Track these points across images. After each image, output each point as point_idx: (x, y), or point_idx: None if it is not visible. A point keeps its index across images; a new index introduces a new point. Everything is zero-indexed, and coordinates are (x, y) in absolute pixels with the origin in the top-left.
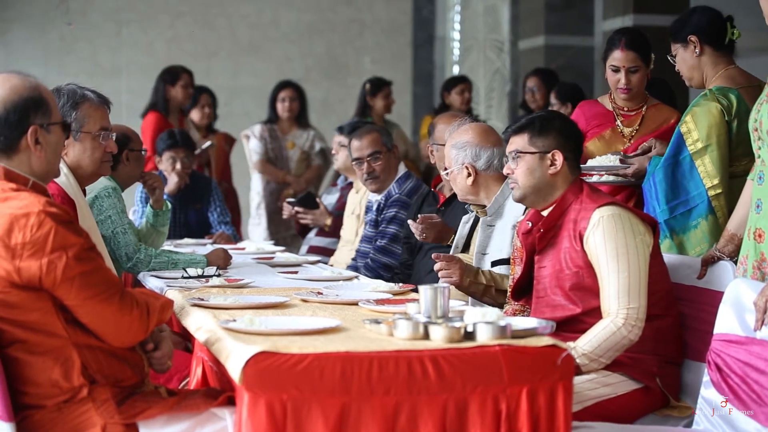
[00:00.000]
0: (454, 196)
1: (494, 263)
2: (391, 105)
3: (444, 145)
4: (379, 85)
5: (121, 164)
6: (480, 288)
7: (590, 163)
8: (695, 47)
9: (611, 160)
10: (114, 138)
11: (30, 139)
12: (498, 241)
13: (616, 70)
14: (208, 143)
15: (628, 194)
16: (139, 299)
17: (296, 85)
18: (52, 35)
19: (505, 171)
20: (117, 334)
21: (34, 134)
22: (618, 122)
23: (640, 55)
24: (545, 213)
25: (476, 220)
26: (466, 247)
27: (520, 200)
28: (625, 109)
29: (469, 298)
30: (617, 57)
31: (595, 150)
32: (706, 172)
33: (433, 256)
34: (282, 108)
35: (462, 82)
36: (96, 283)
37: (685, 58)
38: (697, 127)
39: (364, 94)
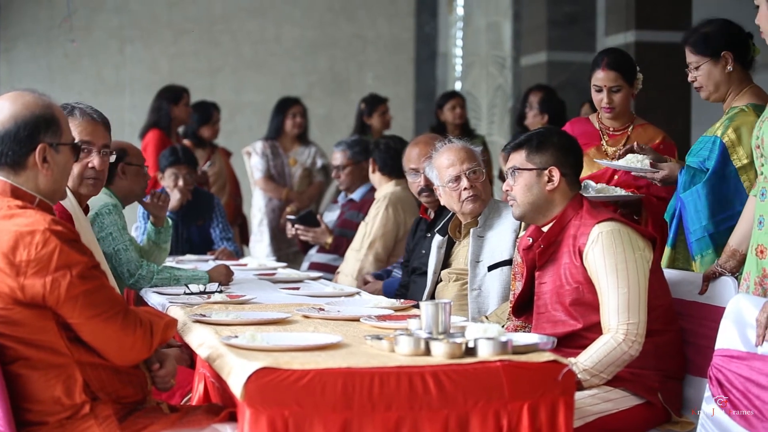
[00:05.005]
0: (437, 217)
1: (490, 268)
2: (389, 122)
3: (417, 169)
4: (374, 104)
5: (117, 177)
6: None
7: (619, 162)
8: (727, 63)
9: (639, 160)
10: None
11: (38, 156)
12: (489, 248)
13: (599, 89)
14: (208, 164)
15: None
16: (143, 318)
17: (301, 101)
18: (56, 52)
19: (504, 188)
20: (120, 353)
21: (42, 152)
22: (603, 141)
23: (622, 75)
24: (545, 229)
25: (450, 243)
26: (443, 267)
27: (519, 218)
28: (611, 129)
29: (470, 315)
30: (599, 77)
31: None
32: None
33: None
34: (292, 124)
35: (453, 97)
36: (99, 302)
37: (713, 73)
38: (742, 142)
39: (361, 113)
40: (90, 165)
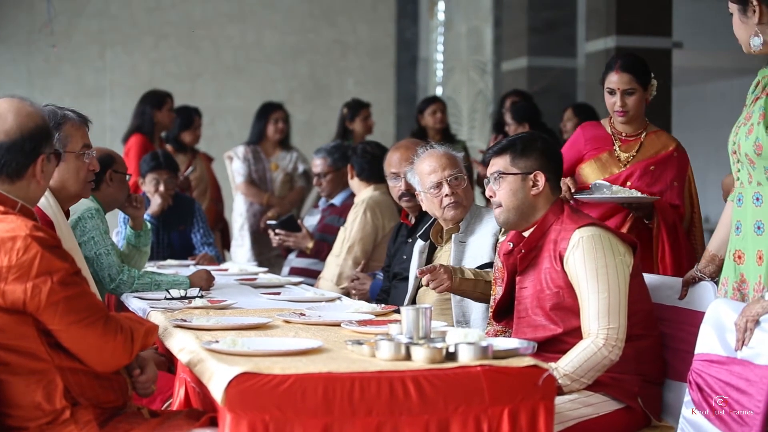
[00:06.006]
0: (418, 222)
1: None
2: (371, 126)
3: (398, 174)
4: (356, 109)
5: (104, 185)
6: (470, 284)
7: None
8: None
9: None
10: (95, 156)
11: (38, 167)
12: (471, 253)
13: (612, 92)
14: (190, 169)
15: (623, 216)
16: (123, 324)
17: (284, 106)
18: (37, 57)
19: (487, 193)
20: (100, 359)
21: (42, 163)
22: (616, 146)
23: (635, 78)
24: (526, 234)
25: (432, 248)
26: None
27: (504, 224)
28: (624, 134)
29: (454, 318)
30: (613, 80)
31: (591, 172)
32: None
33: (417, 272)
34: (274, 129)
35: (434, 102)
36: (80, 308)
37: None
38: None
39: (343, 118)
40: (91, 168)
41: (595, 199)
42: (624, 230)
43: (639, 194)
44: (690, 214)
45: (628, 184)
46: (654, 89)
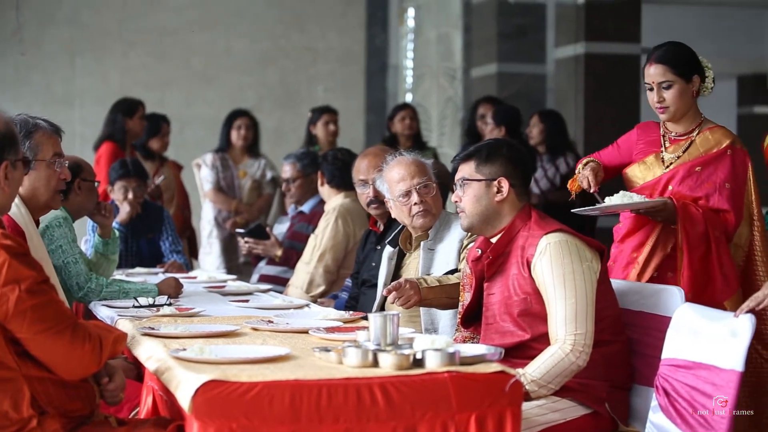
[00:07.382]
0: (387, 229)
1: None
2: (334, 133)
3: (366, 180)
4: (320, 113)
5: (73, 193)
6: (436, 291)
7: None
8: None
9: None
10: (66, 165)
11: (1, 174)
12: (440, 261)
13: (651, 88)
14: (161, 177)
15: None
16: (91, 332)
17: (250, 113)
18: (6, 65)
19: (453, 199)
20: (68, 368)
21: (4, 170)
22: (663, 147)
23: (672, 69)
24: (494, 240)
25: (401, 255)
26: (393, 279)
27: (468, 230)
28: (674, 134)
29: (423, 325)
30: (649, 73)
31: (635, 175)
32: None
33: (384, 292)
34: (237, 136)
35: (404, 108)
36: (48, 317)
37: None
38: None
39: (309, 122)
40: (62, 177)
41: (586, 212)
42: (652, 240)
43: (640, 199)
44: (749, 221)
45: (670, 188)
46: (709, 82)
